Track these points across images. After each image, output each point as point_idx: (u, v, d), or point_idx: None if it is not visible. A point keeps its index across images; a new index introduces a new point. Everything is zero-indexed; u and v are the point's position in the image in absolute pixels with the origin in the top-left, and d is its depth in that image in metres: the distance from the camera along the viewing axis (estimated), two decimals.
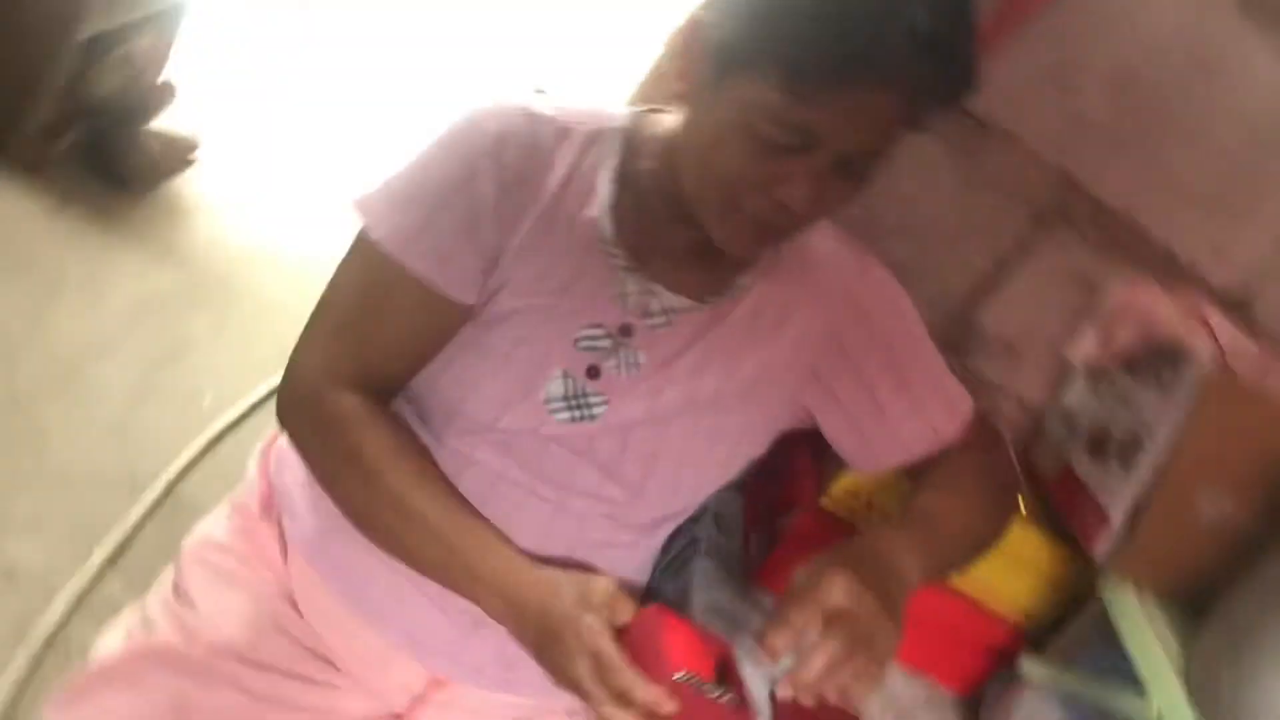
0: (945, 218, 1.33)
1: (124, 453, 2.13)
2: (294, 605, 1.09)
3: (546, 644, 0.91)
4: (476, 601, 0.96)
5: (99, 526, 1.92)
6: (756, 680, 0.88)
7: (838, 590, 0.86)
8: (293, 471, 1.11)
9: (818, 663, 0.83)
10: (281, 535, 1.11)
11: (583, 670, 0.88)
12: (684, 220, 1.00)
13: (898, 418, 1.10)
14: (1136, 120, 1.22)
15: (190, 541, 1.14)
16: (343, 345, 1.01)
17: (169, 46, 3.11)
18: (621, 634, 0.89)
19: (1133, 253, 1.32)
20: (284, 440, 1.16)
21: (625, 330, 1.02)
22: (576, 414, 1.02)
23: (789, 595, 0.88)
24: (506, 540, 0.98)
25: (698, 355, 1.03)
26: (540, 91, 1.08)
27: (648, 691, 0.85)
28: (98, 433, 2.15)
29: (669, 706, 0.86)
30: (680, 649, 0.88)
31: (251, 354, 2.63)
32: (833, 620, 0.85)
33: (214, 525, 1.15)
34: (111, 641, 1.06)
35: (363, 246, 1.01)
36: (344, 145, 3.89)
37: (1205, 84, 1.19)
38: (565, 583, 0.93)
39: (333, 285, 1.03)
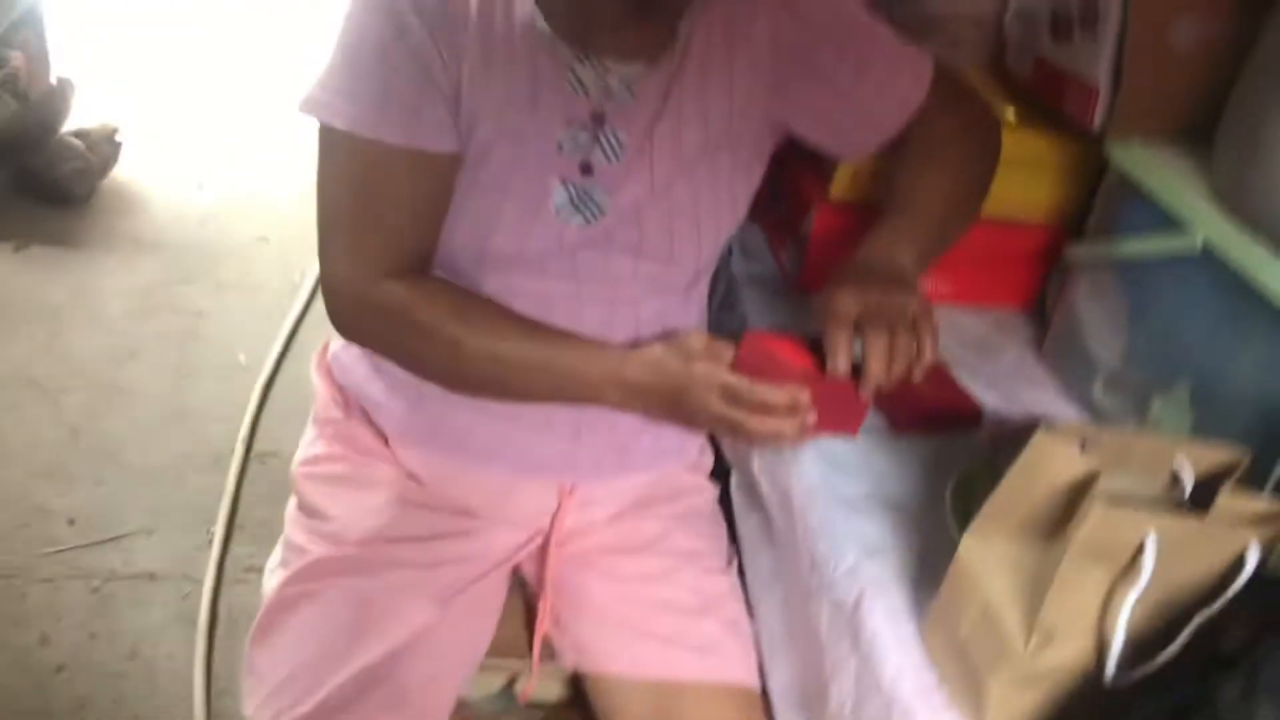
0: None
1: (192, 434, 2.21)
2: (413, 478, 1.16)
3: (677, 404, 1.00)
4: (599, 402, 1.03)
5: (204, 507, 2.02)
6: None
7: (850, 300, 0.96)
8: (356, 370, 1.17)
9: (876, 360, 0.94)
10: (373, 425, 1.17)
11: (718, 406, 0.97)
12: None
13: (865, 101, 1.12)
14: None
15: (296, 469, 1.21)
16: (361, 240, 1.02)
17: (44, 46, 3.02)
18: (732, 367, 0.97)
19: None
20: (337, 346, 1.20)
21: (597, 118, 1.03)
22: (587, 213, 1.05)
23: (818, 320, 0.98)
24: (595, 342, 1.04)
25: (671, 114, 1.05)
26: None
27: (781, 393, 0.95)
28: (160, 426, 2.22)
29: (805, 395, 0.95)
30: (789, 351, 0.98)
31: (259, 301, 2.67)
32: (861, 322, 0.95)
33: (309, 447, 1.21)
34: (274, 579, 1.13)
35: (334, 141, 1.00)
36: (250, 64, 3.82)
37: None
38: (664, 352, 1.00)
39: (324, 191, 1.04)
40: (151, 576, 1.87)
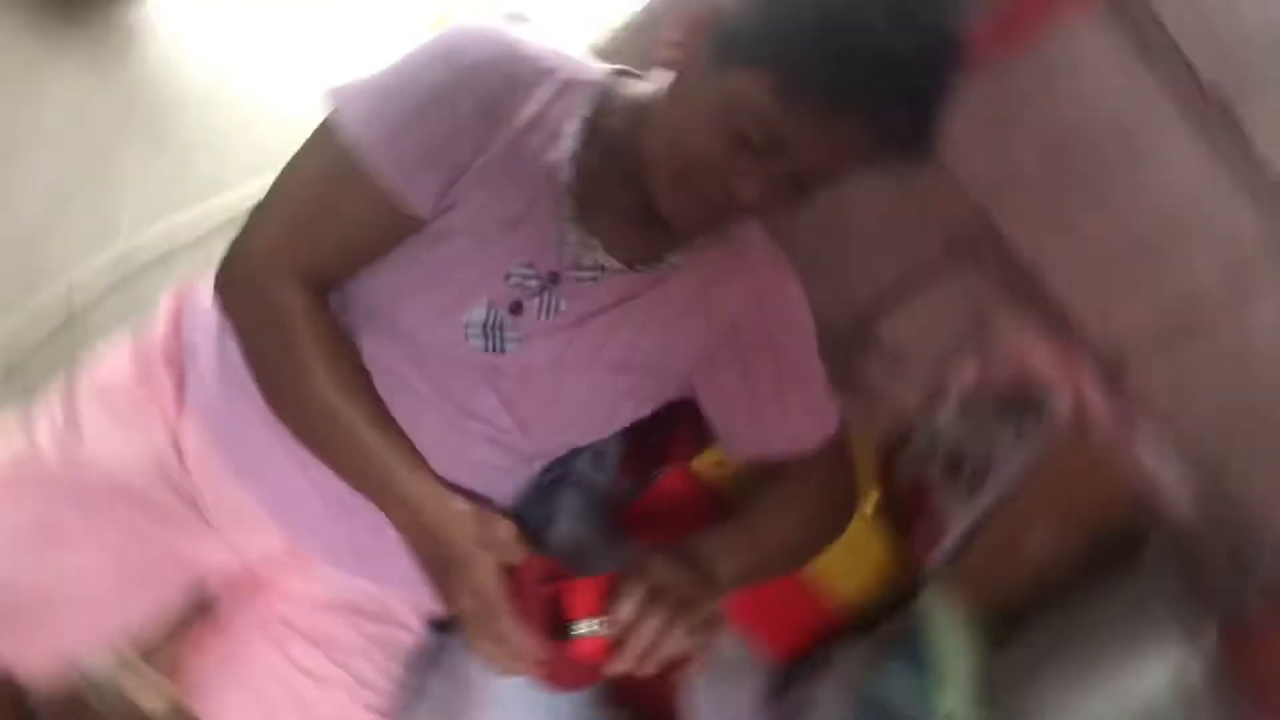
0: (868, 225, 1.39)
1: (29, 262, 2.11)
2: (178, 453, 1.13)
3: (442, 570, 1.00)
4: (385, 512, 1.03)
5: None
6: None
7: (662, 569, 0.98)
8: (205, 332, 1.14)
9: (646, 633, 0.95)
10: (179, 386, 1.14)
11: (468, 605, 0.97)
12: (635, 184, 1.04)
13: (766, 417, 1.18)
14: (1059, 183, 1.29)
15: (86, 373, 1.17)
16: (294, 237, 1.03)
17: None
18: (516, 575, 0.97)
19: (1029, 299, 1.40)
20: (202, 297, 1.18)
21: (554, 277, 1.07)
22: (490, 343, 1.07)
23: (620, 575, 0.99)
24: (424, 464, 1.04)
25: (614, 318, 1.09)
26: (520, 18, 1.11)
27: (520, 638, 0.95)
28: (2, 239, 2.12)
29: (538, 656, 0.95)
30: (570, 594, 0.98)
31: (179, 192, 2.60)
32: (655, 594, 0.96)
33: (113, 362, 1.17)
34: None
35: (331, 138, 1.01)
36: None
37: (1131, 167, 1.26)
38: (470, 519, 1.00)
39: (293, 170, 1.04)
40: None
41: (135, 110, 2.76)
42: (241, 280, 1.04)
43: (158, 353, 1.17)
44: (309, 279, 1.03)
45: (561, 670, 0.97)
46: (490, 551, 0.98)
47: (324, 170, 1.03)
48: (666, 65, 1.03)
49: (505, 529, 1.00)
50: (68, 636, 1.08)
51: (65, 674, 1.13)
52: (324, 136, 1.03)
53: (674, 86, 1.02)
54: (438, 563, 1.01)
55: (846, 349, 1.46)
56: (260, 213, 1.05)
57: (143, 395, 1.14)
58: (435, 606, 1.26)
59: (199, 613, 1.20)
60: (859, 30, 0.89)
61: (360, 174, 1.00)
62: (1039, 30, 1.22)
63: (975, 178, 1.32)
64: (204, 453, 1.12)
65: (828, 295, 1.40)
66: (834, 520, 1.23)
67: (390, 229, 1.04)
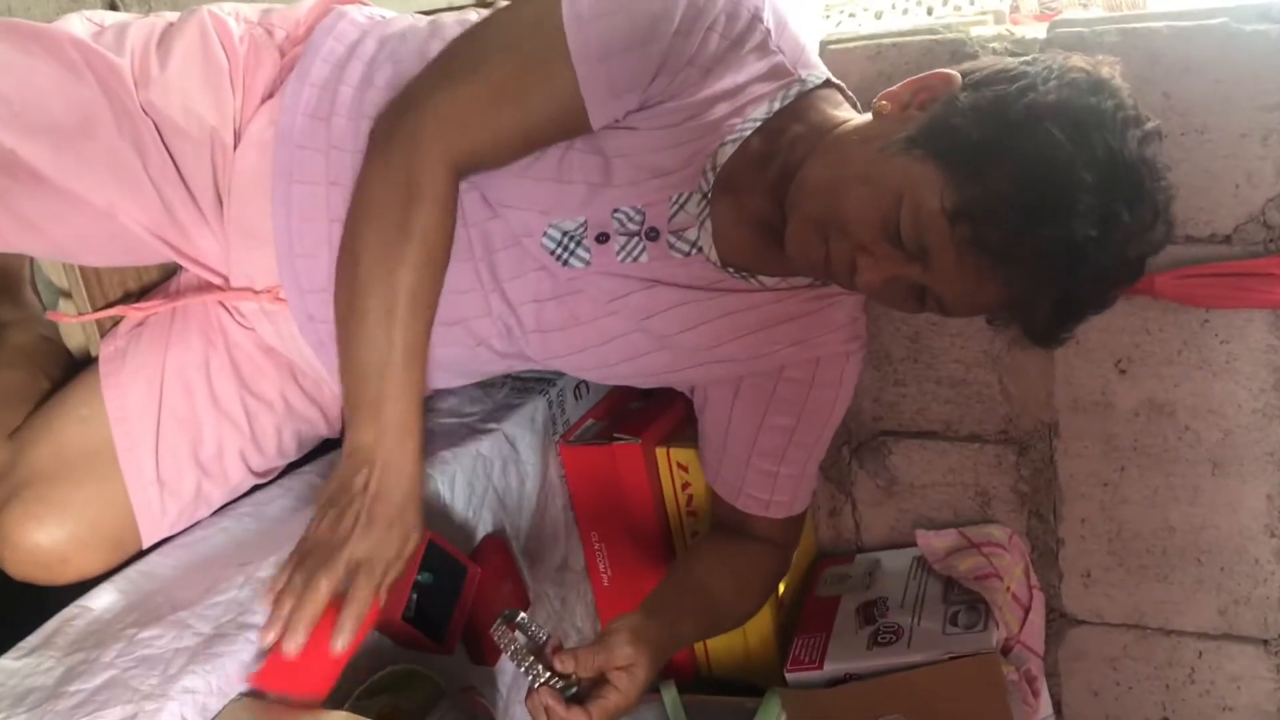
0: (943, 370, 1.37)
1: None
2: (236, 135, 1.08)
3: (340, 493, 0.94)
4: (350, 411, 0.97)
5: None
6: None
7: (624, 652, 0.97)
8: (326, 61, 1.08)
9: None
10: (277, 80, 1.10)
11: (318, 539, 0.92)
12: (776, 198, 1.00)
13: (753, 469, 1.17)
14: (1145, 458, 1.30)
15: (211, 9, 1.12)
16: (472, 113, 0.97)
17: None
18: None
19: (1040, 520, 1.38)
20: (347, 26, 1.12)
21: (653, 233, 1.04)
22: (559, 251, 1.04)
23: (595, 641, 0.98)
24: (424, 410, 0.99)
25: (679, 298, 1.06)
26: None
27: (318, 607, 0.88)
28: None
29: (341, 642, 0.88)
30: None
31: None
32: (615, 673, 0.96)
33: (232, 17, 1.12)
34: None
35: (549, 18, 0.96)
36: None
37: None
38: (409, 489, 0.95)
39: (498, 28, 1.00)
40: None
41: None
42: (402, 135, 0.98)
43: (279, 38, 1.12)
44: (463, 163, 0.99)
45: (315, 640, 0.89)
46: (390, 528, 0.93)
47: (529, 47, 0.97)
48: (875, 110, 0.99)
49: (419, 535, 0.96)
50: (48, 223, 1.04)
51: (15, 255, 1.10)
52: (546, 8, 0.96)
53: (866, 132, 0.98)
54: (344, 483, 0.95)
55: (854, 450, 1.44)
56: (450, 71, 0.99)
57: (248, 63, 1.09)
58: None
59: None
60: (1064, 219, 0.85)
61: (564, 70, 0.95)
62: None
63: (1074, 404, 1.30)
64: (259, 149, 1.08)
65: (873, 386, 1.40)
66: (765, 592, 1.23)
67: (562, 131, 1.00)
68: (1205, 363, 1.22)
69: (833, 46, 1.28)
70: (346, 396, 0.98)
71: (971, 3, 3.27)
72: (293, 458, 1.22)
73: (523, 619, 0.97)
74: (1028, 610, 1.32)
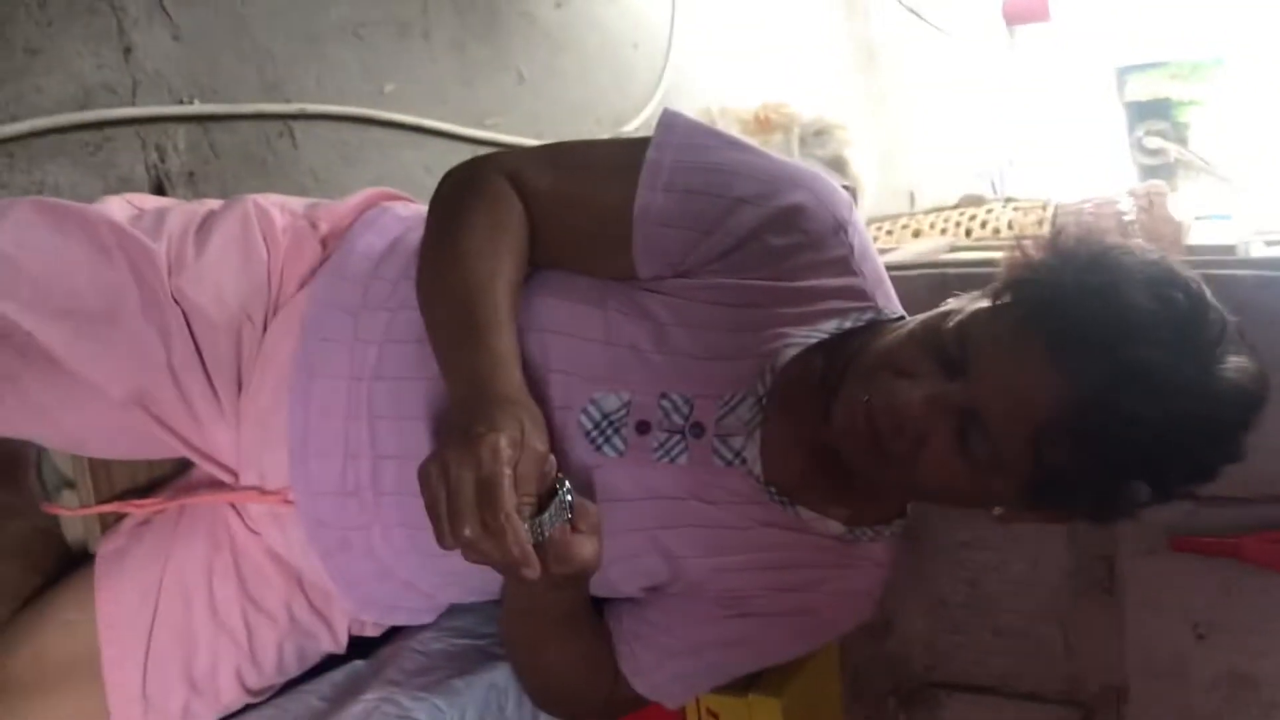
0: (1003, 620, 1.29)
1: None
2: (265, 320, 1.04)
3: (456, 442, 0.81)
4: (446, 376, 0.91)
5: None
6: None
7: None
8: (368, 248, 1.06)
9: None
10: (315, 269, 1.07)
11: (478, 461, 0.78)
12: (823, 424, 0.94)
13: (671, 665, 1.04)
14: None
15: (256, 199, 1.09)
16: (537, 161, 1.01)
17: None
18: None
19: None
20: (391, 220, 1.10)
21: (698, 430, 0.96)
22: (593, 434, 0.96)
23: None
24: (515, 365, 0.90)
25: (703, 518, 0.98)
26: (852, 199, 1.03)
27: (520, 540, 0.76)
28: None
29: (532, 570, 0.78)
30: None
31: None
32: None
33: (278, 206, 1.10)
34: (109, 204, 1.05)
35: (633, 152, 0.99)
36: None
37: None
38: (526, 417, 0.84)
39: (593, 143, 1.04)
40: None
41: None
42: (466, 168, 1.02)
43: (323, 231, 1.09)
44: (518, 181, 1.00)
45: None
46: (517, 453, 0.80)
47: (612, 157, 1.01)
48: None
49: (545, 452, 0.83)
50: (58, 410, 0.99)
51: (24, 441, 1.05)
52: (635, 145, 1.00)
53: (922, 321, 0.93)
54: (459, 433, 0.81)
55: (904, 691, 1.34)
56: (533, 149, 1.03)
57: (289, 255, 1.06)
58: (371, 632, 1.16)
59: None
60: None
61: (626, 191, 0.97)
62: None
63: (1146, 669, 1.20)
64: (285, 339, 1.03)
65: (926, 632, 1.30)
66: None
67: (608, 253, 0.99)
68: None
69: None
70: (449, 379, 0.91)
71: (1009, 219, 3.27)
72: (293, 675, 1.12)
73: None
74: None
